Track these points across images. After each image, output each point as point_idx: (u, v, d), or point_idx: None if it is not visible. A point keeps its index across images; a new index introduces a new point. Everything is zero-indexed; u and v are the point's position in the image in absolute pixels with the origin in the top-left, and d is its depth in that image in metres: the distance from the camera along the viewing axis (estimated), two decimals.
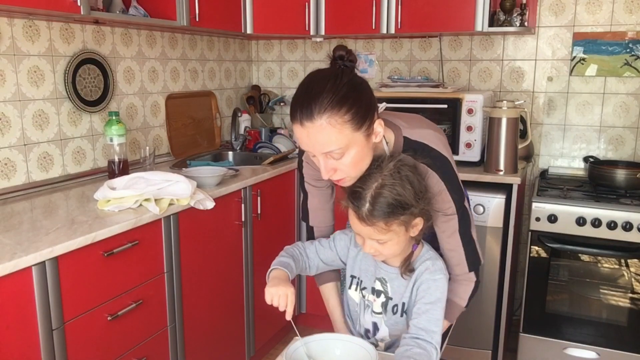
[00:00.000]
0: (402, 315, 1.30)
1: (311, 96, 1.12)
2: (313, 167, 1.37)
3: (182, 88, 2.97)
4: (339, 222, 1.53)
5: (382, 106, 1.31)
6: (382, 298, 1.31)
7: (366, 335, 1.39)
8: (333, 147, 1.14)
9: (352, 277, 1.37)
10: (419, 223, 1.22)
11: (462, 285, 1.37)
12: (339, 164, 1.18)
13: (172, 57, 2.87)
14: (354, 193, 1.19)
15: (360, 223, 1.19)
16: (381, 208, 1.16)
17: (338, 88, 1.12)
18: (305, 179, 1.47)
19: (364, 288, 1.34)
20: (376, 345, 1.34)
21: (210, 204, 2.06)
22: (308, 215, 1.52)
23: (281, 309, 1.20)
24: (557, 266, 2.48)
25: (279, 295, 1.20)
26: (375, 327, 1.34)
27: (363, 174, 1.19)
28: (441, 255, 1.36)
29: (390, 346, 1.38)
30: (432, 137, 1.30)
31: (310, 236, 1.53)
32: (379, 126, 1.20)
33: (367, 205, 1.16)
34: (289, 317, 1.20)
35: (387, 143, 1.28)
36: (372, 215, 1.16)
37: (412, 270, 1.27)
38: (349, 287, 1.38)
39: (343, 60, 1.19)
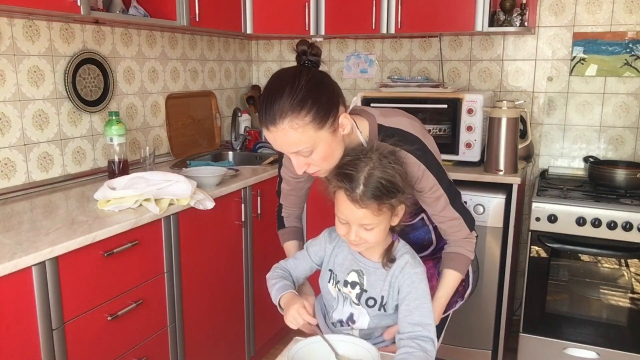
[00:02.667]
0: (380, 310, 1.30)
1: (272, 101, 1.17)
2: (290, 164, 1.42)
3: (182, 88, 2.97)
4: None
5: (354, 100, 1.36)
6: (357, 290, 1.31)
7: (339, 325, 1.38)
8: (299, 148, 1.20)
9: (330, 271, 1.38)
10: (401, 211, 1.24)
11: (468, 243, 1.43)
12: (310, 160, 1.24)
13: (172, 57, 2.87)
14: (347, 175, 1.18)
15: (353, 205, 1.18)
16: (376, 188, 1.16)
17: (296, 91, 1.16)
18: (283, 171, 1.54)
19: (338, 282, 1.35)
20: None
21: (210, 204, 2.06)
22: (281, 194, 1.61)
23: (303, 325, 1.27)
24: (557, 266, 2.48)
25: (295, 318, 1.25)
26: (351, 317, 1.34)
27: (351, 159, 1.21)
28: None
29: (366, 337, 1.37)
30: (405, 123, 1.34)
31: (279, 210, 1.65)
32: (344, 119, 1.24)
33: (361, 186, 1.16)
34: (314, 322, 1.26)
35: (360, 132, 1.32)
36: (365, 197, 1.16)
37: (392, 261, 1.28)
38: (328, 281, 1.38)
39: (306, 55, 1.23)
